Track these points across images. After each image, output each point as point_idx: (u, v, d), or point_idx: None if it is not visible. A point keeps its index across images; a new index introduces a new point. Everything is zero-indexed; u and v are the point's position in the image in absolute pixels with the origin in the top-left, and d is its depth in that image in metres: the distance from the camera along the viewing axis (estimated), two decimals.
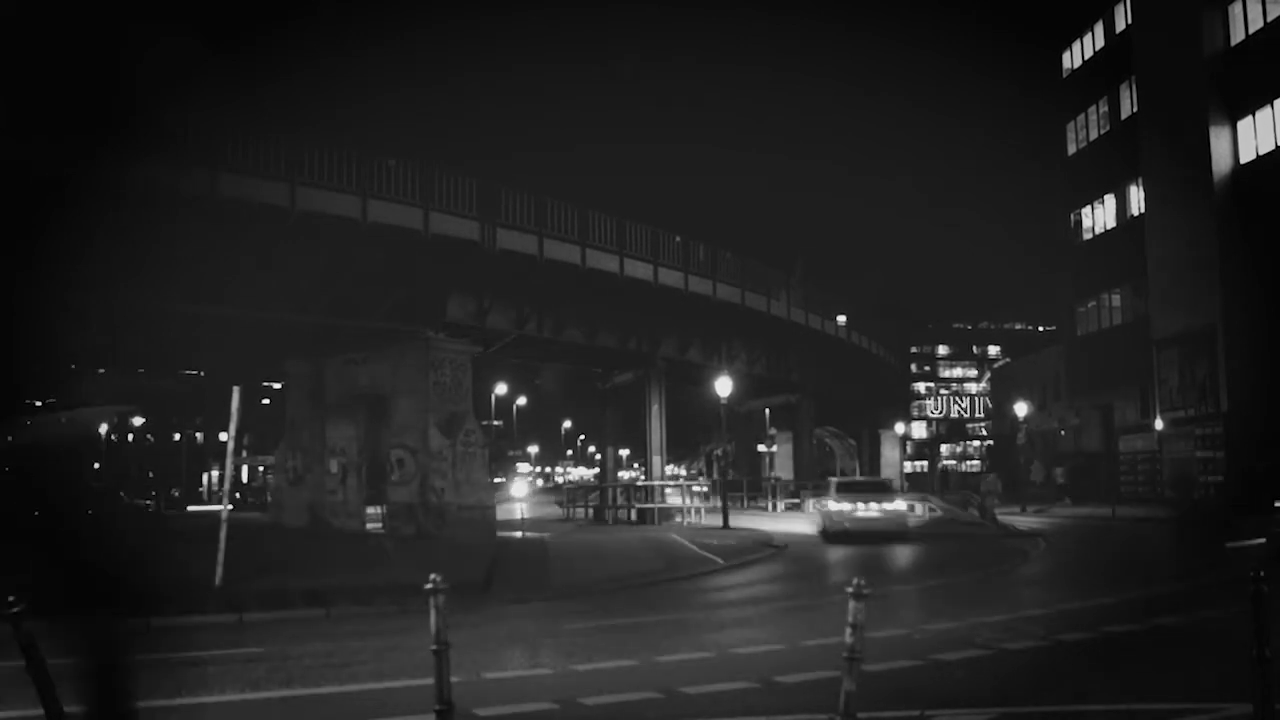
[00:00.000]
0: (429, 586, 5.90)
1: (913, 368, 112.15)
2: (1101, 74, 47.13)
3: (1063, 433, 55.03)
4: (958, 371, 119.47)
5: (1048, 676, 8.64)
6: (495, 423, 68.23)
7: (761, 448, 63.98)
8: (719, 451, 49.33)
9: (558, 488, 62.94)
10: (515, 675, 8.87)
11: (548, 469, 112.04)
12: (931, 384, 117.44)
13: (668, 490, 36.97)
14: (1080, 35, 49.59)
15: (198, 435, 69.03)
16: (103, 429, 57.55)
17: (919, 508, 34.45)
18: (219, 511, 15.30)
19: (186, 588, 14.11)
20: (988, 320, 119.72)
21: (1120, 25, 45.63)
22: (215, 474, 46.94)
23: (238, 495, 44.97)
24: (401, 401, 26.98)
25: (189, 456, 63.73)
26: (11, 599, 5.23)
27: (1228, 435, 36.68)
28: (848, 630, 5.37)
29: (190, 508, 49.36)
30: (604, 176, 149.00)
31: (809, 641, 10.14)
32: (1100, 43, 47.91)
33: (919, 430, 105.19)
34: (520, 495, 35.86)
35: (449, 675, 5.77)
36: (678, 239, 34.27)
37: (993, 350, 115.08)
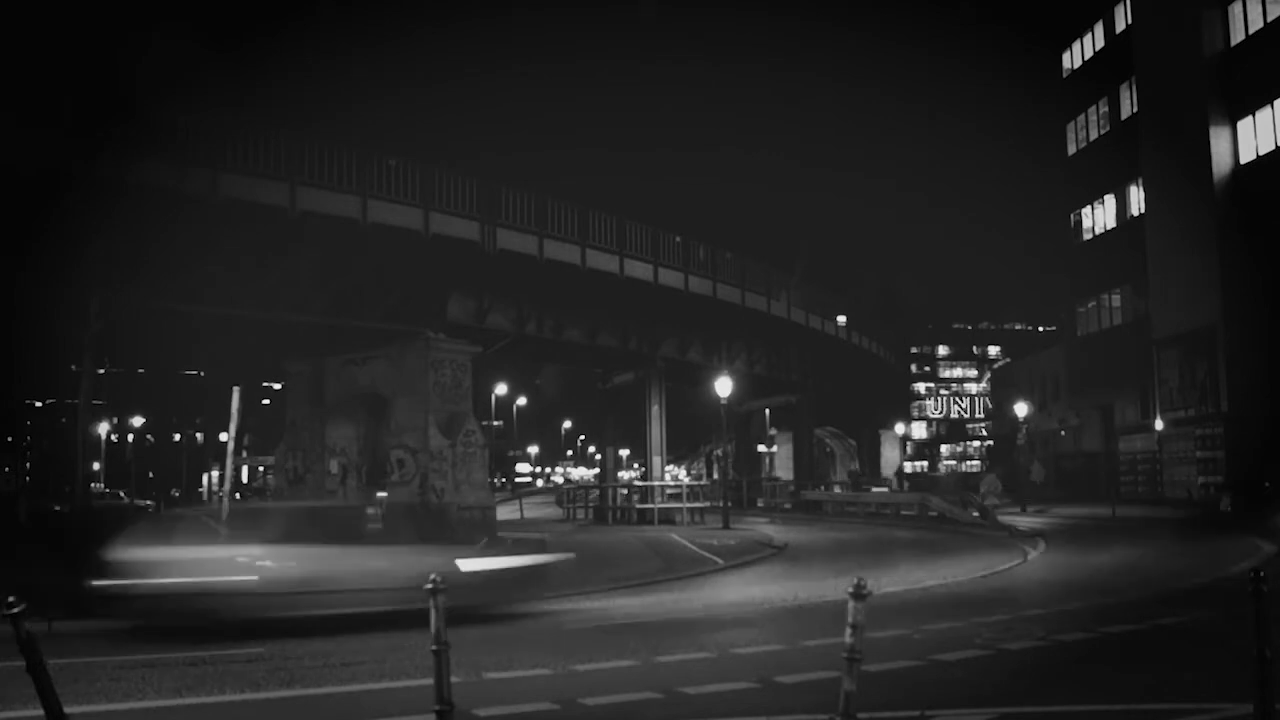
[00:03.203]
0: (429, 587, 5.90)
1: (913, 368, 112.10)
2: (1101, 74, 47.15)
3: (1063, 433, 55.03)
4: (958, 372, 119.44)
5: (1048, 676, 8.63)
6: (495, 423, 68.21)
7: (761, 448, 63.98)
8: (719, 452, 49.31)
9: (557, 488, 62.87)
10: (515, 675, 8.87)
11: (547, 469, 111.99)
12: (931, 384, 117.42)
13: (668, 490, 36.95)
14: (1080, 35, 49.62)
15: (198, 435, 69.03)
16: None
17: (917, 509, 34.40)
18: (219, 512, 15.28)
19: None
20: (988, 320, 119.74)
21: (1120, 25, 45.65)
22: (215, 474, 46.89)
23: (238, 495, 44.94)
24: (401, 401, 26.97)
25: (189, 456, 63.73)
26: (12, 599, 5.24)
27: (1228, 435, 36.70)
28: (847, 630, 5.37)
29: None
30: (604, 176, 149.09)
31: (809, 641, 10.14)
32: (1100, 43, 47.93)
33: (919, 430, 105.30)
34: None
35: (449, 675, 5.78)
36: (678, 239, 34.25)
37: (993, 350, 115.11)
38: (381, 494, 28.22)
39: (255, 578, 11.34)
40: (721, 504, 32.04)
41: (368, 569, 12.06)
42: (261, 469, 51.21)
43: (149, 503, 49.12)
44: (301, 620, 11.15)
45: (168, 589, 11.17)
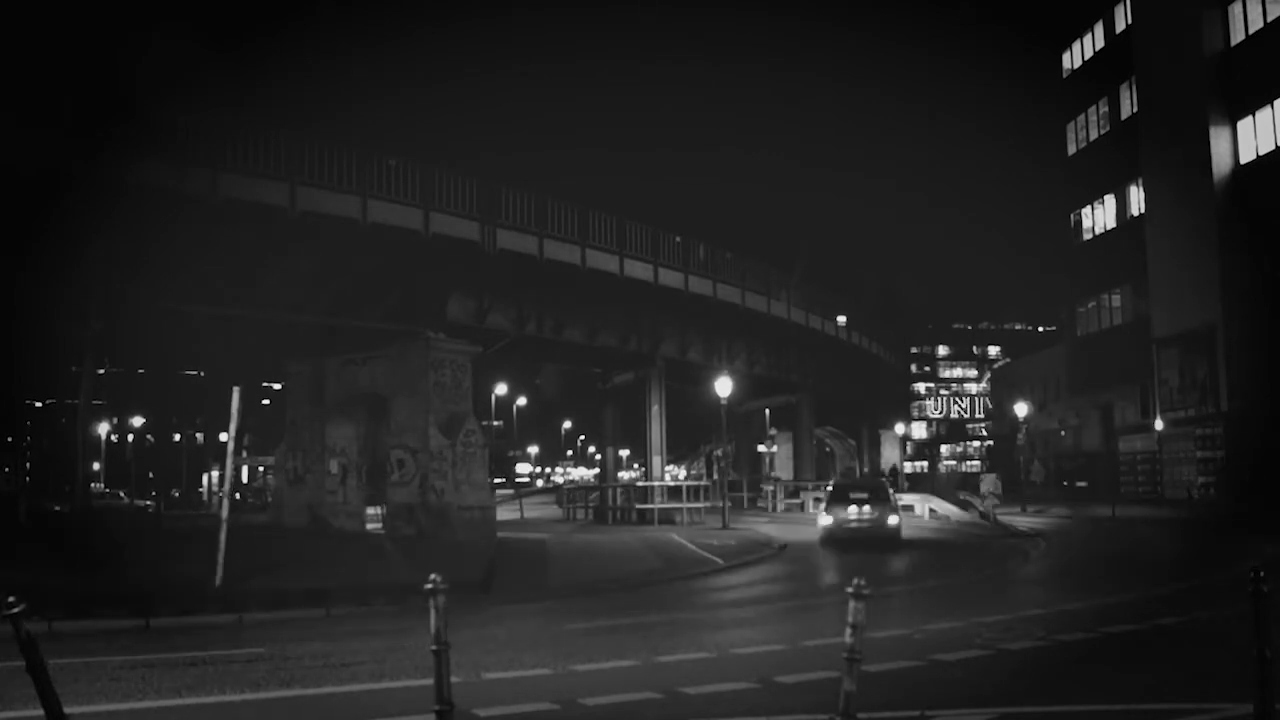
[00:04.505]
0: (429, 587, 5.89)
1: (913, 368, 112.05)
2: (1101, 74, 47.13)
3: (1063, 433, 55.01)
4: (958, 371, 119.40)
5: (1048, 676, 8.63)
6: (495, 423, 68.20)
7: (761, 448, 63.98)
8: (719, 452, 49.33)
9: (557, 488, 62.82)
10: (515, 675, 8.87)
11: (547, 469, 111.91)
12: (931, 384, 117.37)
13: (668, 491, 36.91)
14: (1080, 35, 49.59)
15: (198, 435, 69.02)
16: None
17: (919, 508, 34.45)
18: (219, 512, 15.31)
19: (187, 588, 14.12)
20: (988, 320, 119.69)
21: (1120, 25, 45.61)
22: (215, 474, 46.90)
23: (238, 495, 44.92)
24: (401, 402, 26.95)
25: (189, 456, 63.72)
26: (11, 599, 5.23)
27: (1228, 435, 36.68)
28: (848, 630, 5.36)
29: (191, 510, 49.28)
30: (604, 176, 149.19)
31: (809, 641, 10.14)
32: (1100, 43, 47.90)
33: (919, 430, 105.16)
34: None
35: (449, 675, 5.77)
36: (678, 239, 34.25)
37: (993, 350, 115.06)
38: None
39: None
40: (721, 504, 32.04)
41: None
42: (261, 469, 51.15)
43: (149, 503, 49.10)
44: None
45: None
